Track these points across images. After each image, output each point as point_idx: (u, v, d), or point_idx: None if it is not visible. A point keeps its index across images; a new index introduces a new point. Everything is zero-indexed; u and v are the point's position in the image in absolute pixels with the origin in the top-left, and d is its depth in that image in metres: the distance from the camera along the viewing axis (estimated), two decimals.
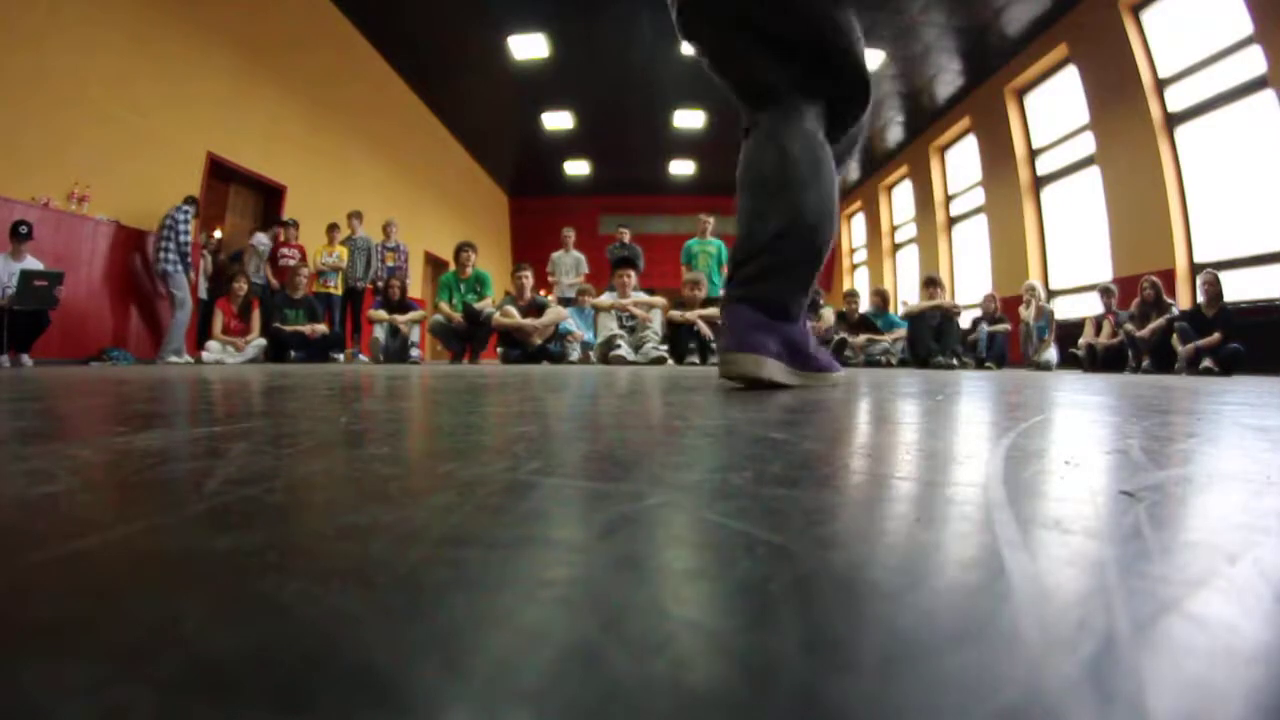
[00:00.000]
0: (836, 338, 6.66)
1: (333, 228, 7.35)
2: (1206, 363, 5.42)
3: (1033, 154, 9.32)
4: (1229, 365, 5.30)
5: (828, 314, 6.84)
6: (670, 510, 0.31)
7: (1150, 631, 0.17)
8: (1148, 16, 7.19)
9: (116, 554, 0.24)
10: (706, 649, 0.16)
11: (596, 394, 1.31)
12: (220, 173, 6.95)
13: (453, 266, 6.70)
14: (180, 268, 5.72)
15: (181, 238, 5.70)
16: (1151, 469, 0.43)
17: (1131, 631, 0.17)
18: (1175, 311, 5.93)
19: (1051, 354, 6.92)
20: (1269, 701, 0.14)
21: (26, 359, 4.47)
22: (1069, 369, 6.67)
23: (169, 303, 5.82)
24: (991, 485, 0.37)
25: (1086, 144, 8.11)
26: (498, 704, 0.13)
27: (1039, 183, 9.21)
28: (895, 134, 12.14)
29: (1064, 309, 8.15)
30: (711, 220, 7.38)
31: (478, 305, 6.35)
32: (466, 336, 6.39)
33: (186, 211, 5.71)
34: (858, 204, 15.13)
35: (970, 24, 8.43)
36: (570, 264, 7.89)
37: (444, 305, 6.43)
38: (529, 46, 9.28)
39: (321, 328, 6.55)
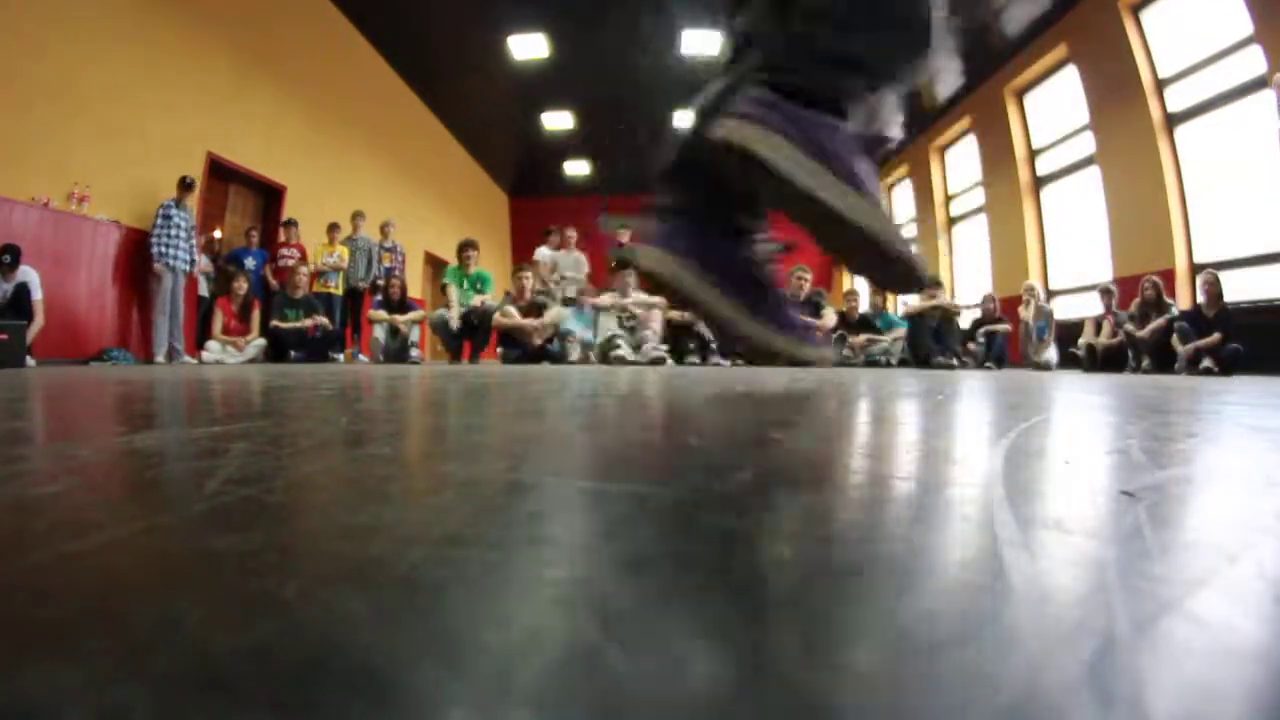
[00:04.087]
0: (835, 337, 6.66)
1: (333, 227, 7.35)
2: (1206, 363, 5.42)
3: (1033, 154, 9.31)
4: (1229, 365, 5.30)
5: (829, 314, 6.84)
6: (670, 510, 0.31)
7: (1150, 631, 0.17)
8: (1148, 16, 7.19)
9: (116, 554, 0.24)
10: (706, 649, 0.16)
11: (596, 395, 1.31)
12: (220, 172, 6.95)
13: (455, 262, 6.79)
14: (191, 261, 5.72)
15: (185, 227, 5.68)
16: (1151, 469, 0.43)
17: (1131, 631, 0.17)
18: (1175, 311, 5.93)
19: (1051, 354, 6.93)
20: (1269, 701, 0.14)
21: (29, 359, 4.47)
22: (1069, 369, 6.66)
23: (180, 303, 5.78)
24: (991, 485, 0.37)
25: (1086, 144, 8.10)
26: (498, 704, 0.13)
27: (1039, 183, 9.21)
28: (895, 134, 12.14)
29: (1064, 309, 8.15)
30: None
31: (475, 301, 6.39)
32: (467, 335, 6.41)
33: (173, 207, 5.65)
34: None
35: (970, 24, 8.43)
36: (571, 264, 7.87)
37: (453, 289, 6.50)
38: (529, 46, 9.27)
39: (321, 319, 6.55)
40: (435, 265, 11.71)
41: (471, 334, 6.40)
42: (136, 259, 5.74)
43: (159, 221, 5.60)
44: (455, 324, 6.33)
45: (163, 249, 5.58)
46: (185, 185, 5.73)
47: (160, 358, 5.58)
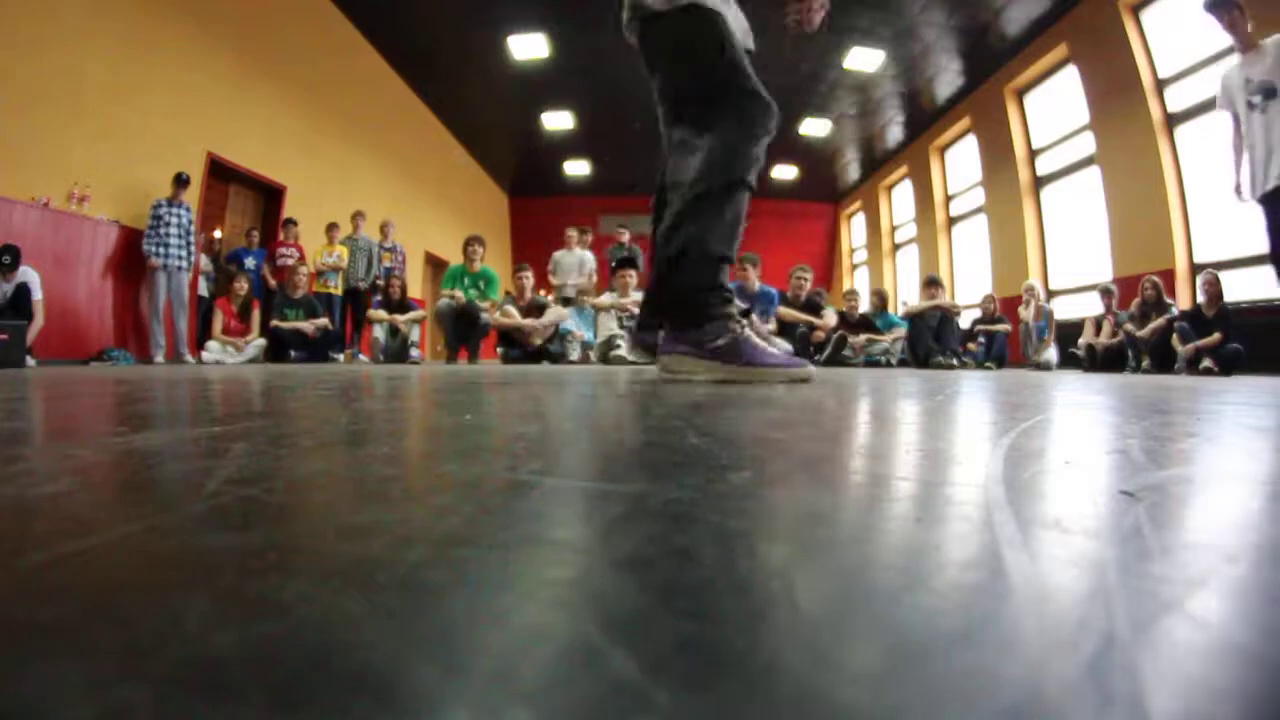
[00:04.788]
0: (835, 336, 6.66)
1: (332, 227, 7.34)
2: (1206, 363, 5.42)
3: (1033, 154, 9.31)
4: (1229, 365, 5.30)
5: (829, 314, 6.84)
6: (669, 510, 0.31)
7: (1150, 631, 0.17)
8: (1148, 16, 7.19)
9: (116, 554, 0.24)
10: (706, 649, 0.16)
11: (595, 395, 1.31)
12: (220, 173, 6.95)
13: (459, 259, 6.62)
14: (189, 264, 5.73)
15: (184, 227, 5.68)
16: (1151, 469, 0.43)
17: (1131, 631, 0.17)
18: (1175, 311, 5.93)
19: (1051, 354, 6.93)
20: (1269, 701, 0.14)
21: (29, 359, 4.46)
22: (1069, 369, 6.67)
23: (175, 303, 5.77)
24: (991, 485, 0.37)
25: (1086, 144, 8.10)
26: (497, 704, 0.13)
27: (1039, 183, 9.21)
28: (895, 134, 12.14)
29: (1064, 309, 8.15)
30: None
31: (480, 303, 6.29)
32: (463, 334, 6.32)
33: (164, 205, 5.65)
34: (858, 204, 15.12)
35: (970, 24, 8.43)
36: (573, 263, 7.83)
37: (446, 291, 6.36)
38: (529, 46, 9.27)
39: (322, 322, 6.54)
40: (435, 265, 11.70)
41: (470, 330, 6.27)
42: (136, 259, 5.74)
43: (151, 221, 5.60)
44: (459, 302, 6.17)
45: (155, 248, 5.56)
46: (180, 181, 5.70)
47: (159, 358, 5.57)
